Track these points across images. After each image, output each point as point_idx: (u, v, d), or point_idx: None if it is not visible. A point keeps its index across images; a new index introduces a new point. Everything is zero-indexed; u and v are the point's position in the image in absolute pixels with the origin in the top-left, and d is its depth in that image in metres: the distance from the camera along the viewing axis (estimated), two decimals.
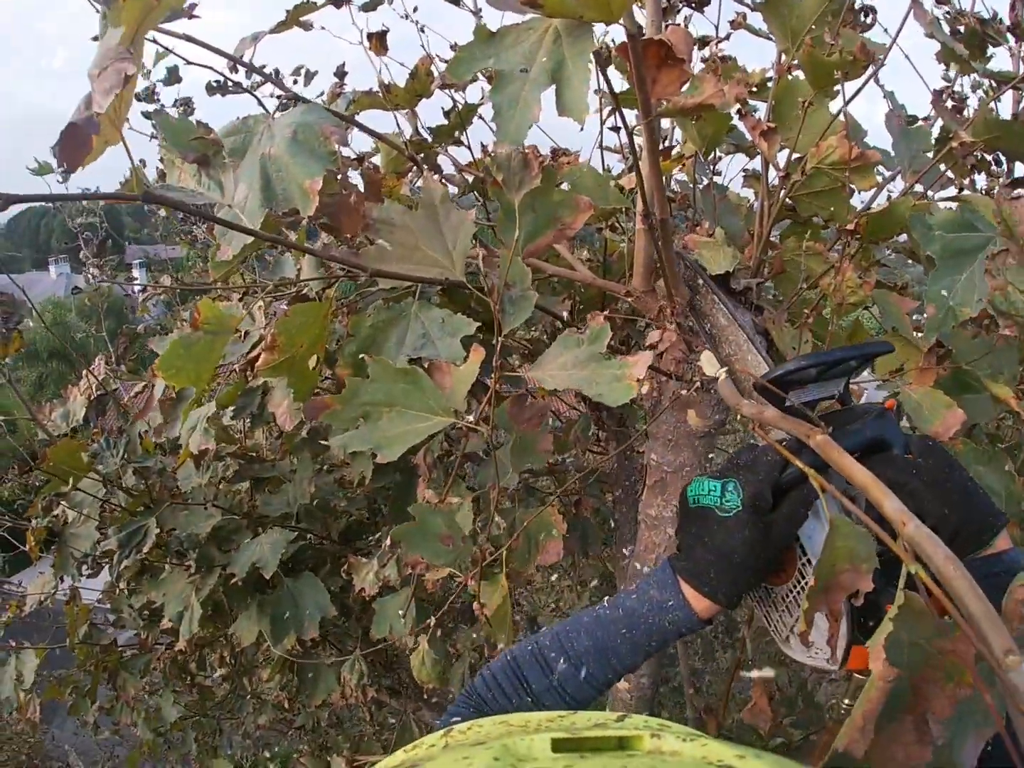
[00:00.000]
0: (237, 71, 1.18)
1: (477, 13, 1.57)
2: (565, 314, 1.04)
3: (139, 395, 1.52)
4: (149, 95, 2.30)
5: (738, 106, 1.06)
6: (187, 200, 0.79)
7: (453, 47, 1.37)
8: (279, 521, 1.45)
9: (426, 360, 0.81)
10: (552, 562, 1.14)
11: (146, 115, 2.17)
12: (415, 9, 1.79)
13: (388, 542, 1.19)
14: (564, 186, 0.79)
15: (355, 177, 1.00)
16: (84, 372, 1.68)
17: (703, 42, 1.48)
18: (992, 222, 0.98)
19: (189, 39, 1.00)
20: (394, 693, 1.79)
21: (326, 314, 0.91)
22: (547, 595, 2.28)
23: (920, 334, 1.18)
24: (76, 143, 0.56)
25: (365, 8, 1.65)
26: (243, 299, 1.22)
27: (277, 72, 1.46)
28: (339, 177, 0.92)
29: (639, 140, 0.97)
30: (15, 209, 0.66)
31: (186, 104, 2.05)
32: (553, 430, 1.32)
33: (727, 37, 1.44)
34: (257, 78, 1.35)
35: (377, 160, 1.10)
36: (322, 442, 1.36)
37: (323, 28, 1.86)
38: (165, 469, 1.56)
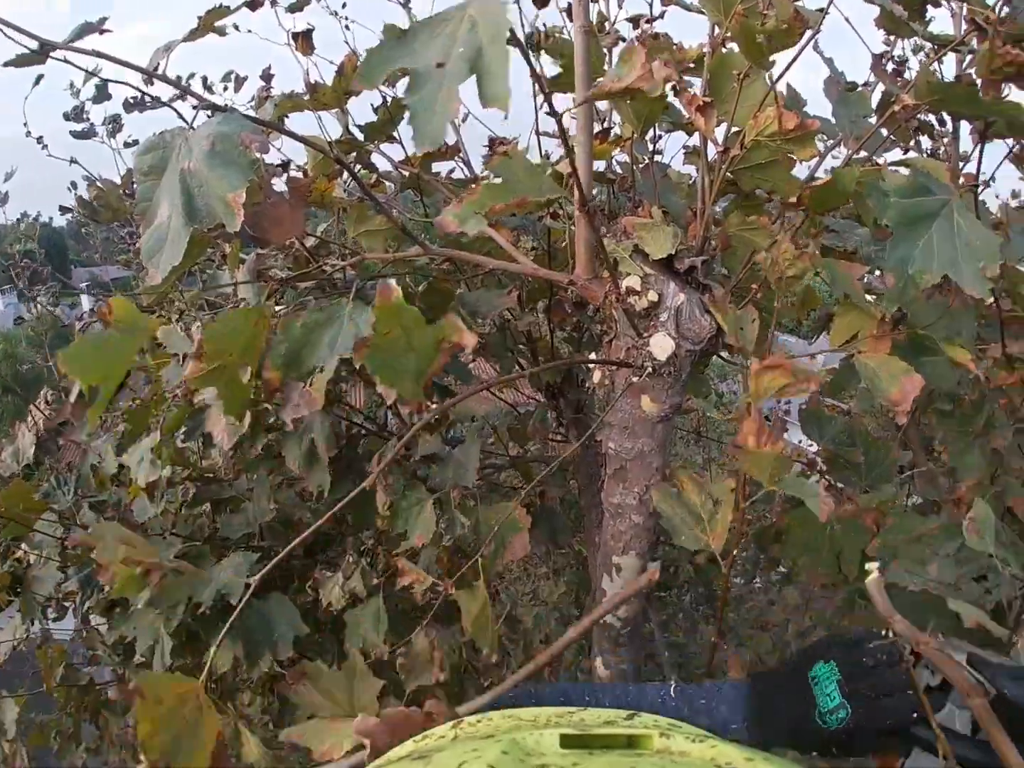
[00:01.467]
0: (153, 84, 1.13)
1: (406, 5, 1.53)
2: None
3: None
4: (78, 114, 2.22)
5: (671, 84, 1.04)
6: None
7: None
8: (242, 542, 1.41)
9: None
10: (520, 557, 1.12)
11: (75, 135, 2.10)
12: (343, 5, 1.75)
13: (350, 557, 1.16)
14: (496, 179, 0.76)
15: (282, 184, 0.96)
16: (30, 407, 1.62)
17: (637, 20, 1.46)
18: (947, 183, 0.97)
19: (99, 55, 0.95)
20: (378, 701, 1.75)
21: (257, 320, 0.87)
22: (524, 584, 2.27)
23: (873, 298, 1.17)
24: None
25: (291, 9, 1.60)
26: (181, 318, 1.17)
27: (205, 80, 1.40)
28: (262, 187, 0.88)
29: (574, 124, 0.95)
30: None
31: (114, 121, 1.98)
32: (511, 424, 1.30)
33: (661, 15, 1.43)
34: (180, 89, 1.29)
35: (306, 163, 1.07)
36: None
37: (250, 31, 1.81)
38: (121, 501, 1.50)
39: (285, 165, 0.99)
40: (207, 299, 1.14)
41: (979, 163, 1.14)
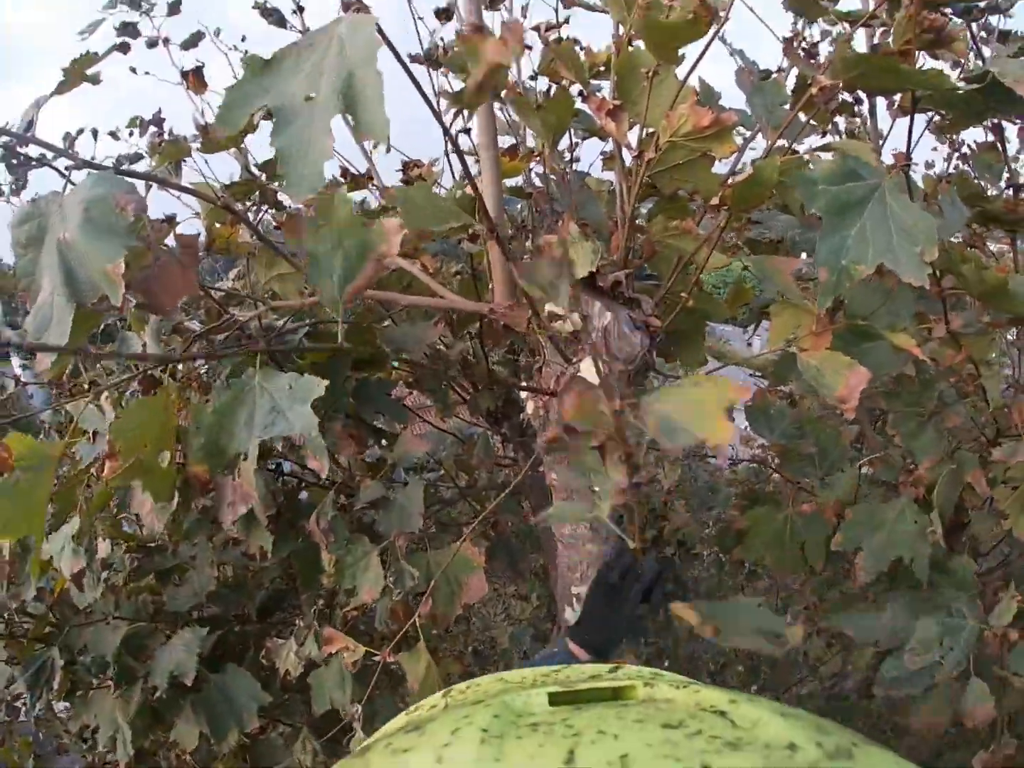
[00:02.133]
0: (27, 145, 1.05)
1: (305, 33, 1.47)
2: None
3: None
4: None
5: (579, 90, 1.00)
6: None
7: None
8: (192, 612, 1.33)
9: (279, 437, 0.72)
10: (479, 597, 1.07)
11: None
12: (243, 38, 1.68)
13: (300, 622, 1.10)
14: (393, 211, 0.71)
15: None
16: None
17: (544, 28, 1.42)
18: (876, 166, 0.93)
19: None
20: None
21: (166, 405, 0.81)
22: (495, 605, 2.23)
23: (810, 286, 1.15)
24: None
25: (185, 46, 1.53)
26: (90, 390, 1.09)
27: (95, 133, 1.32)
28: (150, 247, 0.82)
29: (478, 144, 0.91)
30: None
31: (17, 181, 1.87)
32: (457, 455, 1.24)
33: (566, 20, 1.39)
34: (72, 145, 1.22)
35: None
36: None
37: (147, 73, 1.72)
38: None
39: (170, 219, 0.93)
40: (117, 364, 1.07)
41: (909, 139, 1.10)
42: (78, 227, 0.73)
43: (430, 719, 0.35)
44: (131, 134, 1.65)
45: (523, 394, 0.85)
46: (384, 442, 1.06)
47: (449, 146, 0.66)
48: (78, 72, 0.95)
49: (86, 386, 1.12)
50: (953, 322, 1.28)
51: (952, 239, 1.33)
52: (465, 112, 1.16)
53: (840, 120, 1.62)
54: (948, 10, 1.07)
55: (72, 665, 1.40)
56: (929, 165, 1.91)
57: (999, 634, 0.94)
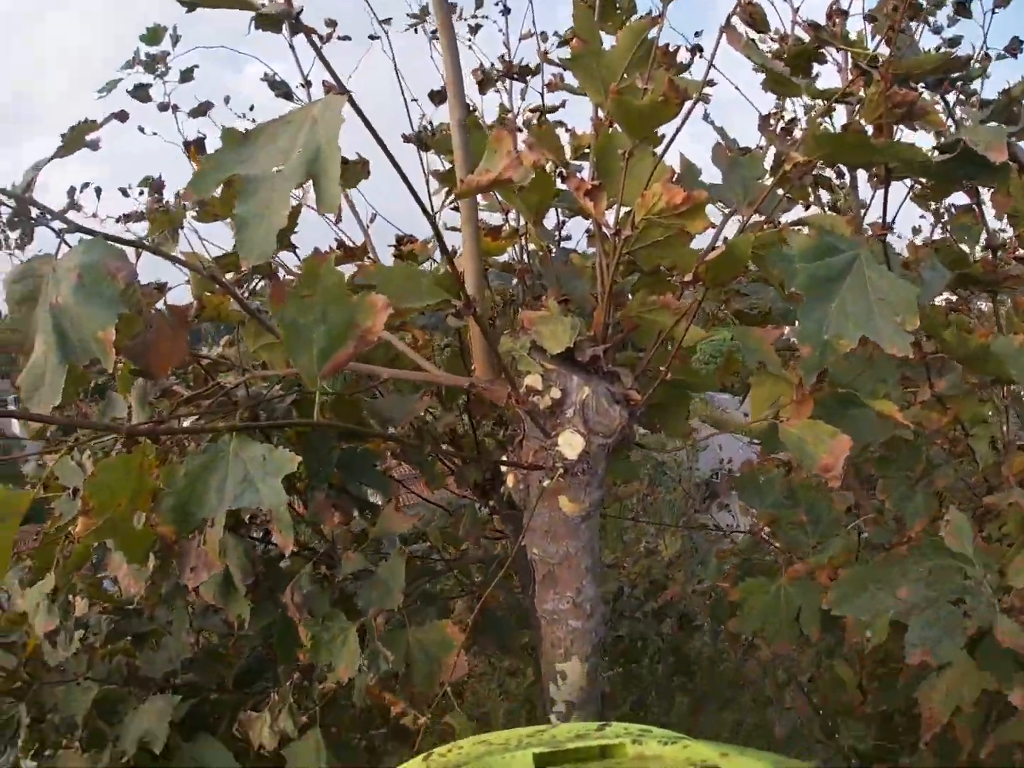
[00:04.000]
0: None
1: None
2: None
3: None
4: None
5: (559, 171, 1.03)
6: None
7: None
8: (166, 678, 1.30)
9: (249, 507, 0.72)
10: (460, 676, 1.04)
11: None
12: (251, 108, 1.75)
13: (276, 695, 1.07)
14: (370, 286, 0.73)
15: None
16: None
17: (540, 111, 1.48)
18: (850, 238, 0.94)
19: None
20: None
21: (141, 464, 0.81)
22: (490, 680, 2.15)
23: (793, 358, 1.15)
24: None
25: (193, 114, 1.59)
26: (72, 449, 1.09)
27: (99, 191, 1.36)
28: (142, 314, 0.84)
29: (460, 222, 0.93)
30: None
31: (24, 235, 1.91)
32: (443, 527, 1.23)
33: (562, 104, 1.44)
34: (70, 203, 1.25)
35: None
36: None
37: (155, 134, 1.78)
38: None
39: (160, 287, 0.95)
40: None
41: (884, 209, 1.13)
42: (71, 292, 0.74)
43: None
44: (141, 193, 1.70)
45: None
46: (369, 513, 1.06)
47: (431, 223, 0.67)
48: (78, 138, 0.98)
49: (71, 442, 1.12)
50: (937, 385, 1.29)
51: (934, 302, 1.34)
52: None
53: (824, 192, 1.67)
54: (920, 84, 1.11)
55: (39, 723, 1.35)
56: (916, 231, 1.95)
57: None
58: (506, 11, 1.68)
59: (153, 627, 1.34)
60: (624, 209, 0.98)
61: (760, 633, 1.35)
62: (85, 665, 1.33)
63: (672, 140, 1.00)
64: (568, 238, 1.23)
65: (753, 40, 1.33)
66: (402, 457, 1.10)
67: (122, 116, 1.00)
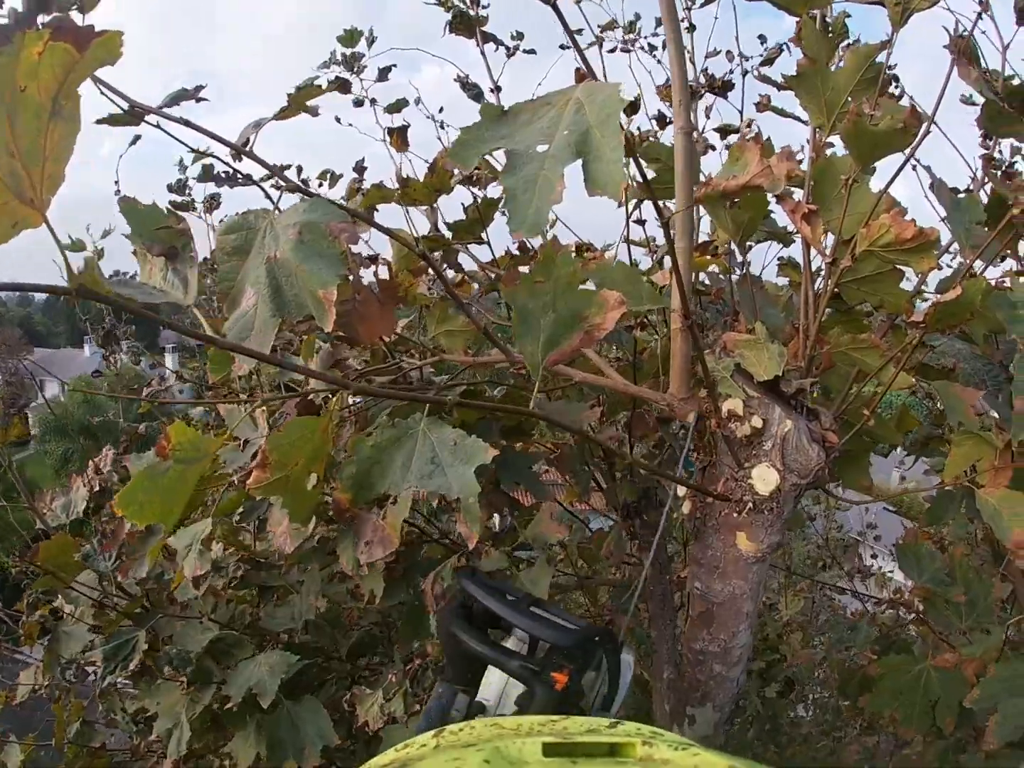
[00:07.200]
0: (241, 160, 1.13)
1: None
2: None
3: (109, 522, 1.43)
4: (180, 188, 2.32)
5: (783, 186, 0.98)
6: (142, 298, 0.71)
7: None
8: (286, 634, 1.33)
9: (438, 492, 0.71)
10: None
11: (175, 206, 2.18)
12: (440, 110, 1.80)
13: (392, 676, 1.07)
14: (590, 284, 0.71)
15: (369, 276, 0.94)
16: (89, 462, 1.60)
17: (726, 131, 1.43)
18: None
19: (186, 124, 0.95)
20: None
21: (325, 428, 0.82)
22: None
23: (991, 420, 1.05)
24: None
25: (389, 110, 1.65)
26: (247, 402, 1.14)
27: (300, 170, 1.43)
28: (351, 280, 0.85)
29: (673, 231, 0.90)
30: None
31: (213, 199, 2.05)
32: (583, 540, 1.20)
33: (750, 124, 1.40)
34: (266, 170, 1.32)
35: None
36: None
37: (351, 125, 1.87)
38: (164, 574, 1.45)
39: (374, 259, 0.97)
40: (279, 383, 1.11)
41: None
42: (291, 249, 0.75)
43: (419, 757, 0.35)
44: (320, 184, 1.78)
45: (680, 490, 0.80)
46: (516, 512, 1.04)
47: (648, 234, 0.64)
48: (299, 101, 1.02)
49: (242, 394, 1.17)
50: None
51: None
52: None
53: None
54: None
55: (155, 651, 1.40)
56: None
57: None
58: (691, 28, 1.66)
59: (281, 584, 1.38)
60: (840, 238, 0.93)
61: (883, 714, 1.25)
62: (210, 606, 1.39)
63: (900, 169, 0.94)
64: (749, 264, 1.17)
65: (987, 73, 1.23)
66: (557, 464, 1.08)
67: (344, 86, 1.03)
